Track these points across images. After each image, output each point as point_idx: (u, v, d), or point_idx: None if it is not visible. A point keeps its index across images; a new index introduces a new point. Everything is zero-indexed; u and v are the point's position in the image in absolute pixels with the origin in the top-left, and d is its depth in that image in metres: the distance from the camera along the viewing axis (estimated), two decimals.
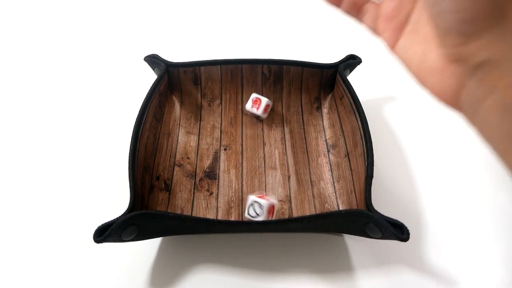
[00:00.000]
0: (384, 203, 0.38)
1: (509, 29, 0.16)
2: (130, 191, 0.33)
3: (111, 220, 0.29)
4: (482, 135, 0.18)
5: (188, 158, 0.44)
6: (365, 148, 0.37)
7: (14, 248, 0.38)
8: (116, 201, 0.37)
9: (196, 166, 0.43)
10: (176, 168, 0.42)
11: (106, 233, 0.28)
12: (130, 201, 0.32)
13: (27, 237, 0.38)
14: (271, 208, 0.36)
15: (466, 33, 0.17)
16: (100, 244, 0.29)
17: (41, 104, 0.52)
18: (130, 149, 0.35)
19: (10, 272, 0.36)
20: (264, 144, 0.46)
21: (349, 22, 0.27)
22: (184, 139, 0.45)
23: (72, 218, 0.40)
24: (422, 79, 0.21)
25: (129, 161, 0.34)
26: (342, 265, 0.37)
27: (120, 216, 0.30)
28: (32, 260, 0.37)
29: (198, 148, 0.45)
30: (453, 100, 0.19)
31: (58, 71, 0.57)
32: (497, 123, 0.17)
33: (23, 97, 0.53)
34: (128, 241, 0.31)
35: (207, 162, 0.43)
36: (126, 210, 0.31)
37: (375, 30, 0.24)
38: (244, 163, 0.44)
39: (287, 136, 0.46)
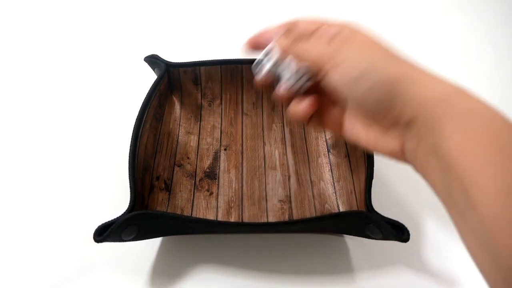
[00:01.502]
0: (384, 204, 0.38)
1: (408, 97, 0.22)
2: (130, 191, 0.33)
3: (111, 220, 0.29)
4: (424, 178, 0.23)
5: (188, 158, 0.44)
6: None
7: (15, 248, 0.38)
8: (116, 201, 0.37)
9: (196, 166, 0.43)
10: (176, 168, 0.42)
11: (106, 232, 0.28)
12: (130, 201, 0.32)
13: (27, 237, 0.38)
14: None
15: (385, 108, 0.23)
16: (100, 244, 0.29)
17: (41, 105, 0.52)
18: (130, 149, 0.35)
19: (11, 272, 0.36)
20: (264, 144, 0.46)
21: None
22: (184, 139, 0.45)
23: (72, 218, 0.40)
24: (375, 148, 0.26)
25: (129, 161, 0.34)
26: (342, 265, 0.37)
27: (120, 216, 0.30)
28: (32, 259, 0.37)
29: (198, 148, 0.45)
30: (401, 156, 0.24)
31: (58, 71, 0.57)
32: (425, 164, 0.22)
33: (24, 98, 0.53)
34: (128, 240, 0.31)
35: (207, 162, 0.43)
36: (126, 210, 0.31)
37: (322, 126, 0.30)
38: (244, 163, 0.43)
39: (287, 136, 0.46)
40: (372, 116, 0.25)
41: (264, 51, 0.30)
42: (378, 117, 0.24)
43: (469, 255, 0.20)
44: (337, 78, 0.24)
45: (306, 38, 0.28)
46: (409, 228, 0.30)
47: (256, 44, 0.31)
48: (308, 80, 0.28)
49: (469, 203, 0.18)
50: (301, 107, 0.28)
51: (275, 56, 0.29)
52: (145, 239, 0.35)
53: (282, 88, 0.28)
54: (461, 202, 0.19)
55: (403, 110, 0.22)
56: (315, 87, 0.28)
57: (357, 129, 0.27)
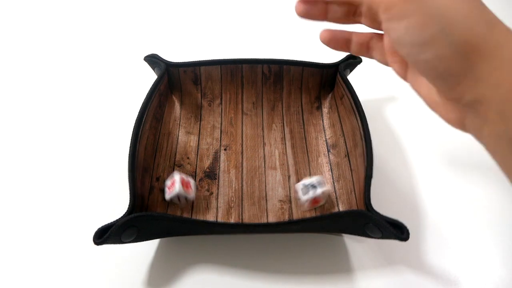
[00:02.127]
0: (384, 203, 0.38)
1: (480, 75, 0.19)
2: (130, 193, 0.33)
3: (111, 222, 0.29)
4: (489, 154, 0.21)
5: (188, 158, 0.44)
6: (365, 148, 0.37)
7: (15, 249, 0.38)
8: (116, 203, 0.37)
9: (196, 166, 0.43)
10: (176, 168, 0.42)
11: (106, 235, 0.28)
12: (129, 202, 0.32)
13: (27, 239, 0.38)
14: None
15: (446, 83, 0.20)
16: (100, 246, 0.29)
17: (41, 105, 0.52)
18: (130, 150, 0.35)
19: (11, 273, 0.36)
20: (264, 144, 0.46)
21: (365, 31, 0.27)
22: (184, 139, 0.45)
23: (72, 220, 0.40)
24: (433, 109, 0.24)
25: (128, 162, 0.34)
26: (342, 265, 0.37)
27: (119, 218, 0.30)
28: (32, 261, 0.37)
29: (198, 148, 0.45)
30: (461, 127, 0.22)
31: (58, 71, 0.57)
32: (495, 147, 0.20)
33: (23, 98, 0.53)
34: (128, 242, 0.31)
35: (207, 162, 0.43)
36: (126, 212, 0.31)
37: (385, 63, 0.26)
38: (244, 163, 0.43)
39: (287, 136, 0.46)
40: (433, 83, 0.21)
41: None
42: (441, 87, 0.21)
43: None
44: (397, 35, 0.19)
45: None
46: (408, 228, 0.30)
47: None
48: None
49: None
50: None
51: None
52: (145, 240, 0.35)
53: None
54: None
55: (470, 89, 0.19)
56: None
57: (419, 84, 0.24)
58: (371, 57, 0.27)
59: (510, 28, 0.19)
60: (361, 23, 0.25)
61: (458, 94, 0.20)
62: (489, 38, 0.18)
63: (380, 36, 0.26)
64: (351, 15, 0.25)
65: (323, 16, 0.26)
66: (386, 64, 0.26)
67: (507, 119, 0.18)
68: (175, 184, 0.36)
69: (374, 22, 0.24)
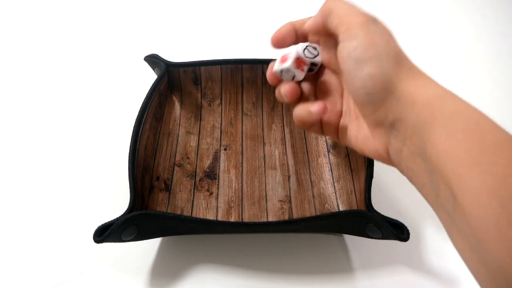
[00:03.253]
0: (384, 203, 0.38)
1: (399, 96, 0.22)
2: (130, 191, 0.33)
3: (111, 220, 0.29)
4: (409, 180, 0.24)
5: (188, 158, 0.44)
6: None
7: (15, 248, 0.38)
8: (116, 201, 0.37)
9: (196, 166, 0.43)
10: (176, 168, 0.42)
11: (106, 233, 0.28)
12: (130, 201, 0.32)
13: (27, 237, 0.38)
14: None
15: (373, 103, 0.23)
16: (100, 244, 0.29)
17: (41, 105, 0.52)
18: (130, 149, 0.35)
19: (10, 272, 0.36)
20: (264, 144, 0.46)
21: None
22: (184, 139, 0.45)
23: (72, 218, 0.40)
24: (362, 149, 0.27)
25: (129, 161, 0.34)
26: (342, 265, 0.37)
27: (120, 216, 0.30)
28: (32, 260, 0.37)
29: (198, 148, 0.45)
30: (386, 157, 0.25)
31: (58, 71, 0.57)
32: (413, 167, 0.23)
33: (24, 98, 0.53)
34: (128, 241, 0.31)
35: (207, 162, 0.43)
36: (126, 210, 0.31)
37: (322, 134, 0.31)
38: (244, 163, 0.43)
39: (287, 136, 0.46)
40: (361, 106, 0.25)
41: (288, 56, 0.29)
42: (367, 109, 0.24)
43: (460, 257, 0.20)
44: (351, 49, 0.24)
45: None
46: (409, 228, 0.30)
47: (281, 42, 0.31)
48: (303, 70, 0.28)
49: (457, 205, 0.19)
50: (287, 88, 0.29)
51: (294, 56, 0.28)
52: (145, 239, 0.35)
53: (285, 65, 0.28)
54: (449, 204, 0.19)
55: (392, 109, 0.23)
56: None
57: (350, 129, 0.28)
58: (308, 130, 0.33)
59: (419, 69, 0.24)
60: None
61: (382, 115, 0.23)
62: (408, 72, 0.23)
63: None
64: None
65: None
66: (322, 134, 0.33)
67: (420, 133, 0.21)
68: (287, 59, 0.29)
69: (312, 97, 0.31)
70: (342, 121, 0.29)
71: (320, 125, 0.30)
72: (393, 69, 0.23)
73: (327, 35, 0.27)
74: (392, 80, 0.23)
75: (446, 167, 0.19)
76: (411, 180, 0.24)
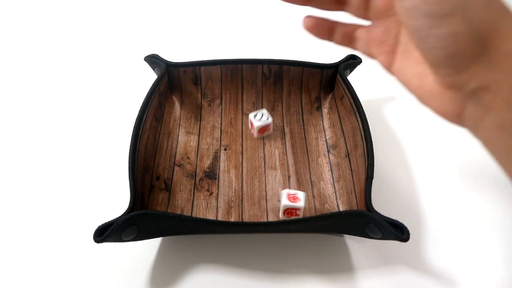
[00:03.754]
0: (384, 204, 0.38)
1: (493, 59, 0.18)
2: (130, 191, 0.33)
3: (111, 220, 0.29)
4: (486, 148, 0.20)
5: (188, 158, 0.44)
6: (365, 148, 0.37)
7: (15, 248, 0.38)
8: (116, 201, 0.37)
9: (196, 166, 0.43)
10: (176, 168, 0.42)
11: (106, 233, 0.28)
12: (130, 201, 0.32)
13: (27, 237, 0.38)
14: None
15: (454, 66, 0.19)
16: (100, 244, 0.29)
17: (42, 105, 0.52)
18: (130, 149, 0.35)
19: (10, 272, 0.36)
20: (264, 144, 0.46)
21: (349, 21, 0.27)
22: (184, 139, 0.45)
23: (72, 218, 0.40)
24: (424, 101, 0.22)
25: (129, 161, 0.34)
26: (342, 265, 0.37)
27: (120, 216, 0.30)
28: (32, 260, 0.37)
29: (198, 148, 0.45)
30: (457, 120, 0.21)
31: (59, 71, 0.57)
32: (496, 139, 0.19)
33: (24, 98, 0.53)
34: (128, 241, 0.31)
35: (207, 162, 0.43)
36: (126, 210, 0.31)
37: (369, 55, 0.25)
38: (244, 163, 0.43)
39: (287, 136, 0.46)
40: (436, 67, 0.20)
41: None
42: (444, 70, 0.19)
43: None
44: (413, 3, 0.18)
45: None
46: (409, 228, 0.30)
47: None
48: None
49: None
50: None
51: None
52: (145, 239, 0.35)
53: None
54: None
55: (481, 73, 0.18)
56: None
57: (410, 72, 0.22)
58: (353, 47, 0.26)
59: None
60: (345, 10, 0.25)
61: (464, 80, 0.19)
62: (505, 22, 0.18)
63: (365, 27, 0.25)
64: (335, 2, 0.25)
65: (305, 1, 0.26)
66: (370, 55, 0.25)
67: None
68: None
69: (360, 10, 0.24)
70: (398, 57, 0.23)
71: (348, 39, 0.25)
72: (486, 21, 0.17)
73: None
74: (485, 37, 0.17)
75: None
76: (490, 150, 0.20)
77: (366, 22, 0.25)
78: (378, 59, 0.24)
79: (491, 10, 0.17)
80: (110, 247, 0.36)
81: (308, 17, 0.26)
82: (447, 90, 0.20)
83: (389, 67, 0.24)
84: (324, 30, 0.26)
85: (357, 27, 0.25)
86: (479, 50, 0.18)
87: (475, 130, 0.20)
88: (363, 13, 0.24)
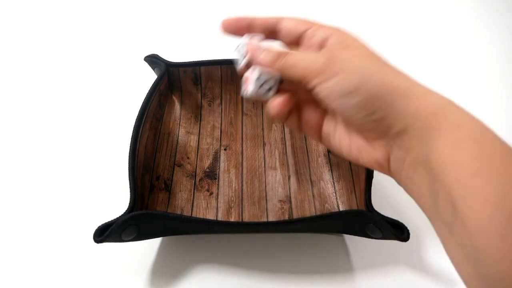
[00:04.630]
0: (384, 203, 0.38)
1: (400, 109, 0.22)
2: (130, 191, 0.33)
3: (111, 220, 0.29)
4: (405, 190, 0.24)
5: (188, 158, 0.44)
6: None
7: (14, 248, 0.38)
8: (116, 201, 0.37)
9: (196, 166, 0.43)
10: (176, 168, 0.42)
11: (106, 233, 0.28)
12: (130, 201, 0.32)
13: (27, 237, 0.38)
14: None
15: (374, 120, 0.23)
16: (100, 244, 0.29)
17: (41, 105, 0.52)
18: (130, 149, 0.35)
19: (10, 273, 0.36)
20: (264, 144, 0.46)
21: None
22: (184, 139, 0.45)
23: (72, 218, 0.40)
24: (356, 158, 0.26)
25: (129, 161, 0.34)
26: (342, 265, 0.37)
27: (120, 216, 0.30)
28: (32, 260, 0.37)
29: (198, 148, 0.45)
30: (386, 167, 0.24)
31: (58, 71, 0.57)
32: (412, 176, 0.22)
33: (23, 98, 0.53)
34: (128, 241, 0.31)
35: (207, 162, 0.43)
36: (126, 210, 0.31)
37: (300, 132, 0.31)
38: (244, 163, 0.43)
39: (287, 136, 0.46)
40: (360, 128, 0.24)
41: (237, 46, 0.29)
42: (367, 128, 0.24)
43: (455, 269, 0.20)
44: (328, 91, 0.24)
45: (293, 48, 0.27)
46: (409, 228, 0.30)
47: (232, 29, 0.31)
48: (270, 89, 0.27)
49: (456, 215, 0.18)
50: (274, 103, 0.27)
51: (246, 55, 0.28)
52: (145, 239, 0.35)
53: (248, 92, 0.27)
54: (448, 214, 0.19)
55: (395, 121, 0.22)
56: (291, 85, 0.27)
57: (339, 137, 0.26)
58: (285, 123, 0.30)
59: (409, 77, 0.23)
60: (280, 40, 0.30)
61: (384, 129, 0.23)
62: (400, 81, 0.22)
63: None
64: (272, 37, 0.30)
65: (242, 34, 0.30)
66: (299, 132, 0.30)
67: (424, 142, 0.21)
68: (254, 73, 0.28)
69: (293, 45, 0.28)
70: (326, 127, 0.28)
71: (296, 121, 0.29)
72: (385, 85, 0.22)
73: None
74: (389, 95, 0.22)
75: (449, 176, 0.19)
76: (408, 190, 0.23)
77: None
78: (311, 134, 0.29)
79: (388, 77, 0.22)
80: (110, 247, 0.36)
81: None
82: (376, 141, 0.24)
83: (319, 138, 0.28)
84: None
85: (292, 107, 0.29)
86: (387, 103, 0.22)
87: (398, 173, 0.23)
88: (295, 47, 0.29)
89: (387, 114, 0.22)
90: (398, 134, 0.23)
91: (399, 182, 0.24)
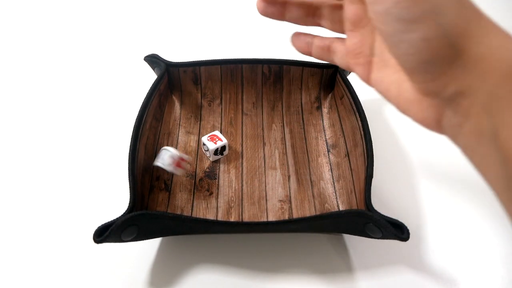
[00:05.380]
0: (384, 203, 0.38)
1: (467, 64, 0.17)
2: (130, 191, 0.33)
3: (111, 221, 0.29)
4: (466, 156, 0.20)
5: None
6: (365, 148, 0.37)
7: (15, 248, 0.38)
8: (116, 201, 0.37)
9: (196, 166, 0.43)
10: None
11: (106, 233, 0.28)
12: (130, 201, 0.32)
13: (27, 237, 0.38)
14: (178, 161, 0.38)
15: (429, 72, 0.18)
16: (100, 245, 0.29)
17: (42, 105, 0.52)
18: (130, 149, 0.35)
19: (11, 273, 0.36)
20: (264, 144, 0.46)
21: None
22: (184, 139, 0.45)
23: (72, 218, 0.40)
24: (403, 110, 0.22)
25: (129, 161, 0.34)
26: (342, 265, 0.37)
27: (120, 216, 0.30)
28: (32, 260, 0.37)
29: (198, 148, 0.45)
30: (436, 127, 0.20)
31: (59, 71, 0.57)
32: (474, 146, 0.18)
33: (24, 98, 0.53)
34: (128, 241, 0.31)
35: (207, 162, 0.43)
36: (126, 210, 0.31)
37: (347, 67, 0.25)
38: (244, 163, 0.43)
39: (287, 136, 0.46)
40: (412, 74, 0.19)
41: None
42: (420, 77, 0.19)
43: None
44: (390, 4, 0.17)
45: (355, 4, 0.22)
46: (409, 227, 0.30)
47: (270, 11, 0.27)
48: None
49: None
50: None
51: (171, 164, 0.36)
52: (145, 239, 0.35)
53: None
54: None
55: (456, 79, 0.18)
56: None
57: (387, 81, 0.22)
58: (331, 61, 0.26)
59: (493, 21, 0.18)
60: (321, 25, 0.26)
61: (440, 86, 0.18)
62: (477, 25, 0.17)
63: (342, 40, 0.25)
64: (310, 17, 0.25)
65: (281, 16, 0.26)
66: (348, 67, 0.25)
67: (492, 113, 0.16)
68: (164, 158, 0.38)
69: (335, 23, 0.24)
70: (375, 67, 0.23)
71: (325, 53, 0.25)
72: (459, 25, 0.17)
73: None
74: (458, 41, 0.17)
75: None
76: (469, 158, 0.19)
77: (343, 35, 0.25)
78: (356, 71, 0.24)
79: (464, 13, 0.17)
80: (110, 247, 0.36)
81: (295, 33, 0.27)
82: (425, 97, 0.20)
83: (367, 78, 0.24)
84: (304, 45, 0.27)
85: (333, 40, 0.26)
86: (453, 55, 0.17)
87: (455, 137, 0.20)
88: (338, 26, 0.24)
89: (448, 66, 0.17)
90: (455, 97, 0.18)
91: (457, 145, 0.20)
